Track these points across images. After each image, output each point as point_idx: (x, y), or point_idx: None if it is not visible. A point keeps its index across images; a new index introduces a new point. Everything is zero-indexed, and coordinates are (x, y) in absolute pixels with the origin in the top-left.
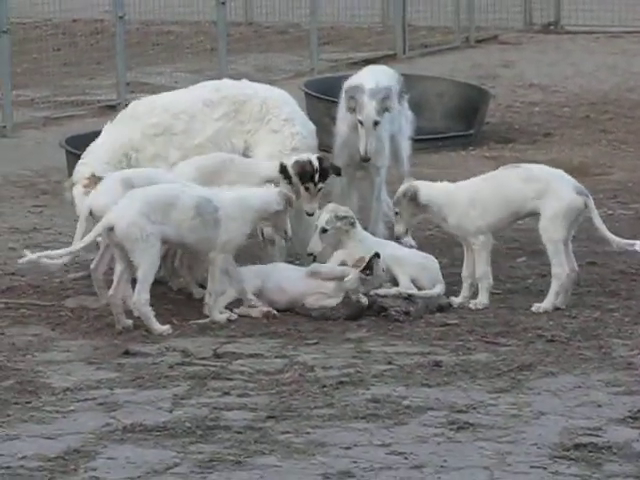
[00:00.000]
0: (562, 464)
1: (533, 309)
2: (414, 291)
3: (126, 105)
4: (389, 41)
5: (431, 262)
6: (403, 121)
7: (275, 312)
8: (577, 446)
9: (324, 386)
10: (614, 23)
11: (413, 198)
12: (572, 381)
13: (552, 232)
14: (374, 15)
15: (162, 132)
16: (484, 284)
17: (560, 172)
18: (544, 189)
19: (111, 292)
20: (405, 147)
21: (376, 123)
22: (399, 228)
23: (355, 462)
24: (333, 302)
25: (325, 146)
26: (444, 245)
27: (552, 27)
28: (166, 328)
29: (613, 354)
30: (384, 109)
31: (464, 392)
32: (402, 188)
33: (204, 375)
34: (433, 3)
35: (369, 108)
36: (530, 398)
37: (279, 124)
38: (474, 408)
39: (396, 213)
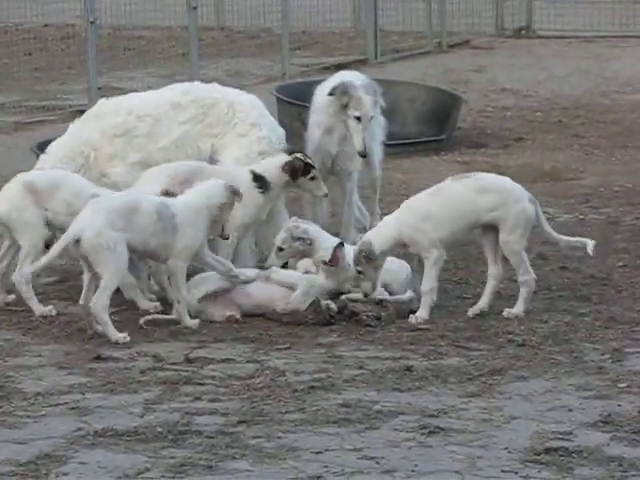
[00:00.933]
0: (533, 468)
1: (504, 314)
2: (385, 296)
3: None
4: (361, 46)
5: (403, 268)
6: (375, 126)
7: (238, 316)
8: (548, 450)
9: (295, 391)
10: (586, 28)
11: (369, 256)
12: (543, 385)
13: (514, 243)
14: (346, 20)
15: (122, 133)
16: (427, 299)
17: (510, 180)
18: (502, 200)
19: (81, 300)
20: (377, 152)
21: (371, 117)
22: (366, 286)
23: (326, 467)
24: (302, 307)
25: (295, 150)
26: None
27: (524, 32)
28: (122, 336)
29: (584, 358)
30: (376, 104)
31: (435, 397)
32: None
33: (175, 380)
34: (405, 8)
35: (367, 102)
36: (501, 402)
37: (246, 128)
38: (445, 412)
39: (359, 272)
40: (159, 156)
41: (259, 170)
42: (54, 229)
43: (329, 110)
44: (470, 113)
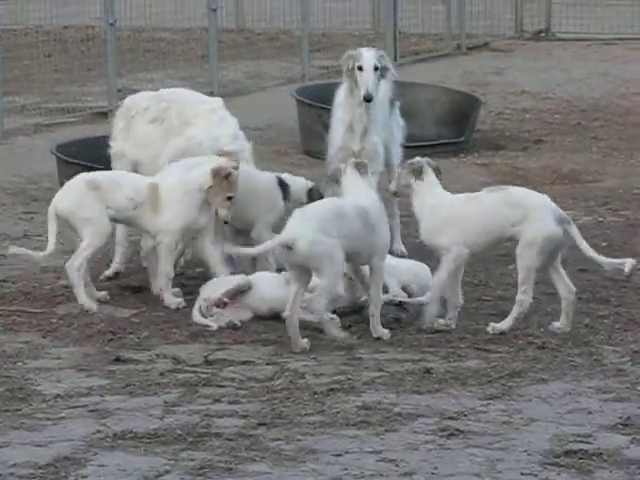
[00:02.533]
0: (552, 471)
1: (488, 329)
2: (404, 298)
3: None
4: (380, 48)
5: (422, 269)
6: (394, 128)
7: (238, 323)
8: (567, 453)
9: (315, 393)
10: (605, 30)
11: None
12: (563, 388)
13: (527, 259)
14: (365, 22)
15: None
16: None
17: (544, 199)
18: (525, 215)
19: (287, 312)
20: (396, 154)
21: (376, 68)
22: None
23: (346, 469)
24: (310, 317)
25: (316, 152)
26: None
27: (543, 34)
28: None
29: (604, 361)
30: (383, 67)
31: (455, 399)
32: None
33: (195, 382)
34: (424, 10)
35: (368, 54)
36: (521, 405)
37: (180, 128)
38: (465, 415)
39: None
40: (130, 152)
41: (288, 180)
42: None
43: (348, 100)
44: (489, 115)
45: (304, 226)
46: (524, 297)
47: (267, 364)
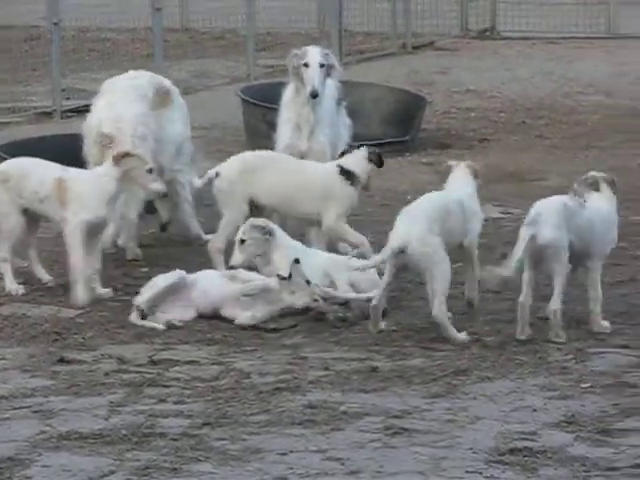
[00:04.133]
0: (497, 469)
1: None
2: (348, 294)
3: (62, 112)
4: (325, 47)
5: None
6: (341, 127)
7: (178, 323)
8: (512, 451)
9: (260, 392)
10: (549, 29)
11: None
12: (507, 386)
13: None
14: (310, 21)
15: None
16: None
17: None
18: None
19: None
20: None
21: (322, 65)
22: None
23: (291, 468)
24: (248, 316)
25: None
26: None
27: (488, 33)
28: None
29: (548, 359)
30: (329, 64)
31: (400, 397)
32: None
33: (140, 382)
34: (369, 9)
35: (313, 51)
36: (465, 403)
37: None
38: (410, 413)
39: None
40: None
41: (346, 165)
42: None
43: (294, 99)
44: (435, 114)
45: (413, 228)
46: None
47: (212, 364)
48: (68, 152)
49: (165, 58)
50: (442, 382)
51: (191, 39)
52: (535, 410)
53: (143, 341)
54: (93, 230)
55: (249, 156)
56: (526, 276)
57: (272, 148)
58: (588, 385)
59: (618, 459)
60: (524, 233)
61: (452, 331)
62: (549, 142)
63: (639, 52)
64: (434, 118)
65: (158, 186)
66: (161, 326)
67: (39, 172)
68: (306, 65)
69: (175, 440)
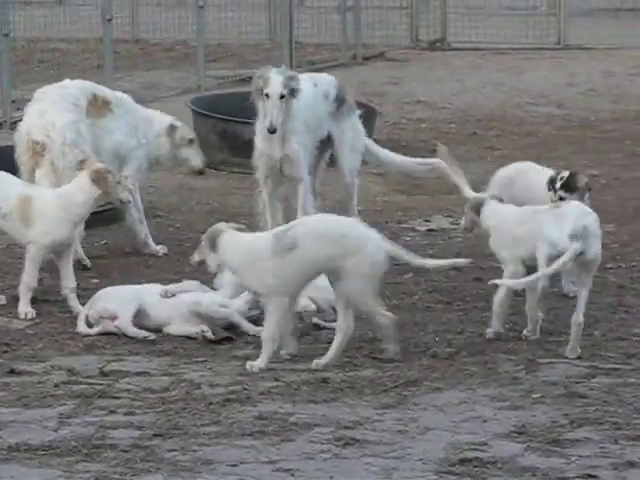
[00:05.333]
0: (447, 479)
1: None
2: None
3: (11, 123)
4: (276, 58)
5: (325, 281)
6: (350, 132)
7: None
8: (462, 461)
9: (211, 403)
10: (499, 40)
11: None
12: (457, 396)
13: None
14: (261, 32)
15: None
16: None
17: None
18: None
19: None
20: (348, 159)
21: (282, 96)
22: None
23: (242, 479)
24: (194, 330)
25: (212, 163)
26: None
27: (438, 44)
28: None
29: (498, 369)
30: (291, 89)
31: (351, 408)
32: None
33: (90, 394)
34: (320, 20)
35: (275, 80)
36: (416, 414)
37: None
38: (360, 424)
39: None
40: None
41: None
42: None
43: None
44: (385, 125)
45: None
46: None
47: (163, 375)
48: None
49: (115, 69)
50: (393, 393)
51: (141, 50)
52: (485, 420)
53: (93, 352)
54: (58, 249)
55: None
56: (583, 293)
57: (223, 159)
58: (538, 395)
59: (568, 469)
60: (573, 248)
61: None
62: (499, 153)
63: (589, 63)
64: (384, 129)
65: (127, 196)
66: (152, 335)
67: (2, 187)
68: (267, 96)
69: (125, 451)
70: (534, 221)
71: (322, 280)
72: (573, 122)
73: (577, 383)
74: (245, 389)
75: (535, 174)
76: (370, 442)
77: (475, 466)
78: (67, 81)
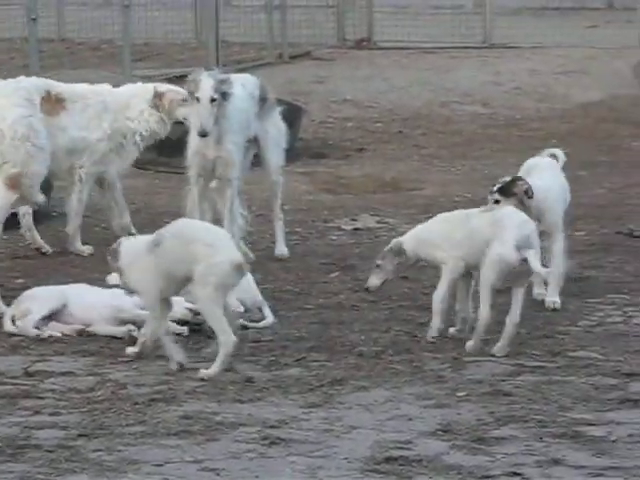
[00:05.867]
0: (373, 478)
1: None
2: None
3: None
4: (203, 57)
5: (249, 282)
6: (272, 130)
7: (89, 330)
8: (388, 459)
9: (136, 403)
10: (425, 39)
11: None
12: (383, 395)
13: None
14: (187, 31)
15: None
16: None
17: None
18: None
19: None
20: (275, 157)
21: (213, 100)
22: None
23: (167, 479)
24: (121, 330)
25: (137, 162)
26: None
27: (365, 43)
28: None
29: (424, 368)
30: (222, 92)
31: (276, 407)
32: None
33: (15, 394)
34: (246, 19)
35: (206, 84)
36: (342, 412)
37: None
38: (286, 423)
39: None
40: None
41: None
42: None
43: None
44: (312, 124)
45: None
46: (483, 312)
47: (88, 375)
48: None
49: (41, 68)
50: (319, 392)
51: (67, 49)
52: (411, 419)
53: (18, 353)
54: None
55: None
56: (519, 294)
57: (150, 158)
58: (464, 394)
59: (493, 467)
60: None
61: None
62: (426, 152)
63: (515, 62)
64: (311, 128)
65: (42, 199)
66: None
67: None
68: (198, 99)
69: (50, 452)
70: (469, 225)
71: (248, 281)
72: (499, 121)
73: (502, 381)
74: (170, 389)
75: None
76: (296, 441)
77: (400, 464)
78: (22, 77)
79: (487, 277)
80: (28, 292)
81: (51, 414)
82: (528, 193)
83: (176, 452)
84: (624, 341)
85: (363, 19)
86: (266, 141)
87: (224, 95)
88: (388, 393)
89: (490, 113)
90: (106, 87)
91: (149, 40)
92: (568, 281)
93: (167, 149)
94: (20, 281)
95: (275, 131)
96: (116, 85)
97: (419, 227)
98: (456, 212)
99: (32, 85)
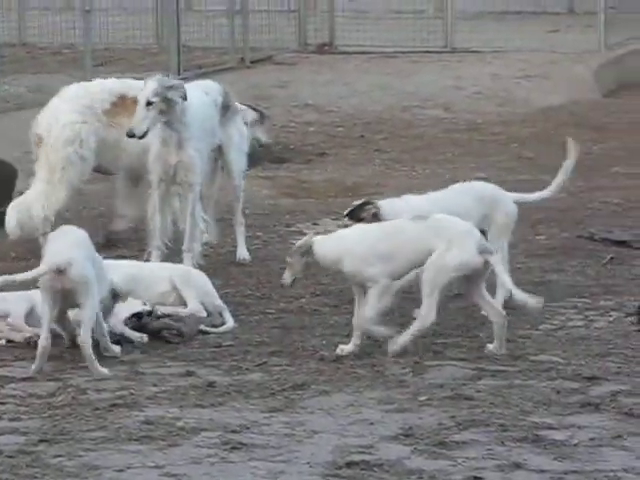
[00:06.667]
0: None
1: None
2: (182, 311)
3: None
4: (164, 62)
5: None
6: (235, 135)
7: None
8: (349, 464)
9: (97, 409)
10: (387, 43)
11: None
12: (345, 399)
13: (436, 277)
14: (148, 36)
15: None
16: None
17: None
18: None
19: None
20: (237, 161)
21: (149, 103)
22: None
23: None
24: (19, 336)
25: (100, 167)
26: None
27: (326, 47)
28: None
29: (385, 372)
30: (164, 97)
31: (238, 412)
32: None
33: None
34: (208, 24)
35: (147, 87)
36: (303, 417)
37: None
38: (248, 428)
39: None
40: None
41: None
42: None
43: None
44: (273, 129)
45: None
46: (425, 313)
47: (48, 380)
48: None
49: (2, 72)
50: (280, 396)
51: (28, 54)
52: (372, 423)
53: None
54: None
55: None
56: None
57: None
58: (425, 398)
59: (455, 471)
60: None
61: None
62: (387, 156)
63: (476, 66)
64: (272, 132)
65: None
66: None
67: None
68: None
69: (11, 457)
70: (402, 236)
71: (208, 285)
72: (460, 125)
73: (463, 385)
74: (132, 394)
75: None
76: (257, 446)
77: (362, 469)
78: (98, 80)
79: (440, 282)
80: None
81: (12, 419)
82: (377, 216)
83: (137, 457)
84: (585, 345)
85: (325, 24)
86: (228, 146)
87: (167, 101)
88: (350, 397)
89: (451, 117)
90: None
91: (110, 45)
92: (529, 284)
93: None
94: None
95: (237, 136)
96: None
97: (338, 234)
98: (375, 224)
99: (103, 90)
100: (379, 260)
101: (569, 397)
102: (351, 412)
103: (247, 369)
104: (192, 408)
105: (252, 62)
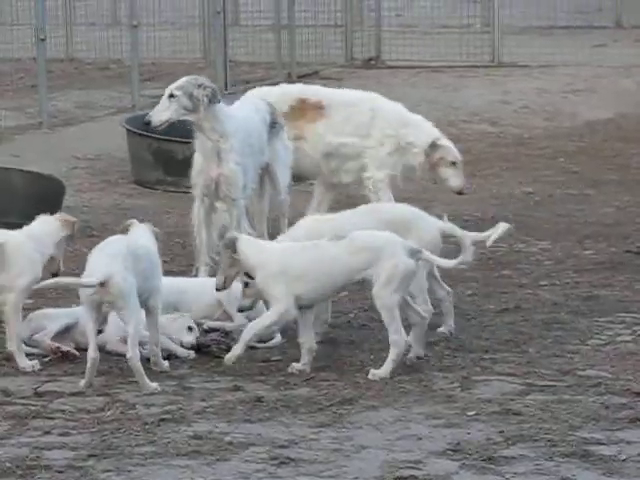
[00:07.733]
0: None
1: (370, 376)
2: (229, 324)
3: None
4: (211, 76)
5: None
6: (280, 150)
7: (69, 350)
8: (398, 479)
9: (146, 424)
10: (434, 58)
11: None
12: (393, 414)
13: (386, 298)
14: (195, 51)
15: None
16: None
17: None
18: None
19: None
20: (283, 175)
21: (172, 95)
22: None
23: None
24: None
25: (146, 182)
26: None
27: (373, 62)
28: None
29: (433, 387)
30: (189, 93)
31: (286, 427)
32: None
33: (24, 414)
34: (255, 39)
35: (179, 81)
36: (351, 432)
37: None
38: (296, 443)
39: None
40: None
41: None
42: None
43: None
44: None
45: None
46: (397, 337)
47: (97, 395)
48: None
49: (49, 89)
50: (328, 411)
51: (76, 69)
52: (420, 438)
53: (28, 373)
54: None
55: None
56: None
57: (158, 178)
58: (473, 413)
59: None
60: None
61: (145, 378)
62: None
63: (523, 81)
64: None
65: None
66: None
67: None
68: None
69: (60, 472)
70: (327, 255)
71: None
72: (507, 139)
73: (512, 400)
74: (180, 409)
75: None
76: (305, 461)
77: None
78: (272, 87)
79: (394, 299)
80: (39, 312)
81: (61, 434)
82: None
83: (186, 472)
84: (634, 360)
85: (371, 38)
86: (275, 161)
87: (191, 98)
88: (398, 412)
89: (498, 132)
90: (374, 95)
91: (157, 60)
92: (577, 300)
93: (174, 168)
94: (29, 301)
95: (283, 151)
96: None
97: (263, 243)
98: (290, 243)
99: (282, 94)
100: (290, 280)
101: (617, 412)
102: (399, 427)
103: (295, 384)
104: (240, 423)
105: (299, 77)
